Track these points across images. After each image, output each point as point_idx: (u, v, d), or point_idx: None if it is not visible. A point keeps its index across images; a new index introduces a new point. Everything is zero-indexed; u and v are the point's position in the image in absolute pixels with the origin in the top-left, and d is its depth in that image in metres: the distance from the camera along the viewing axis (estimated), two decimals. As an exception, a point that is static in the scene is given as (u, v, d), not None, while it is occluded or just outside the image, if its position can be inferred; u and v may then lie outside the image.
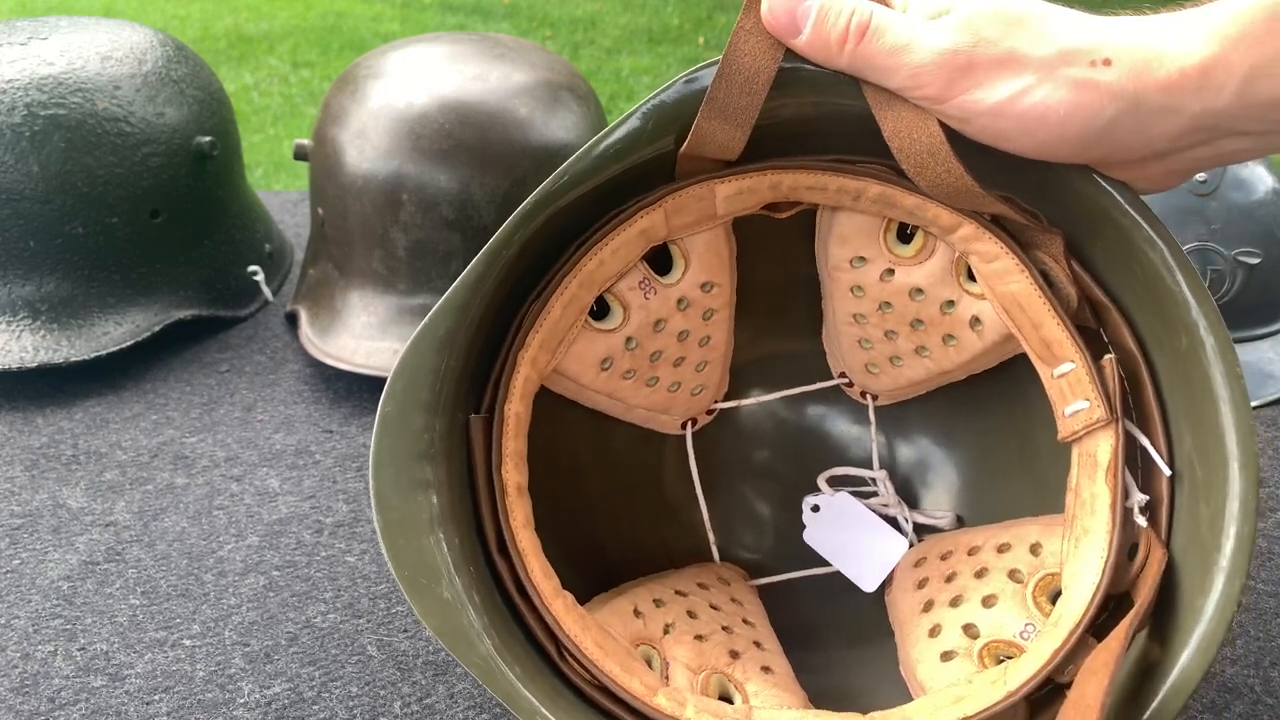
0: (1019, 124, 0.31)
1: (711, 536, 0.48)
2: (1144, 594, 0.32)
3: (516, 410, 0.36)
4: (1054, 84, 0.30)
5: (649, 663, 0.37)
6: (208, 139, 0.66)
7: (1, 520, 0.52)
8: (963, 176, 0.33)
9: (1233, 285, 0.61)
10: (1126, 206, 0.33)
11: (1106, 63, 0.30)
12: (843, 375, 0.48)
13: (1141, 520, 0.34)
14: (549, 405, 0.40)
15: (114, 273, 0.63)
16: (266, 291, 0.71)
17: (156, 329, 0.64)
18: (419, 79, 0.61)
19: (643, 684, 0.34)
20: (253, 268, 0.71)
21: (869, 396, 0.48)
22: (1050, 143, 0.31)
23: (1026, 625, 0.37)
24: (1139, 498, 0.34)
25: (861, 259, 0.41)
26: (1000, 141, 0.32)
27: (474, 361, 0.35)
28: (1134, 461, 0.35)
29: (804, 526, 0.48)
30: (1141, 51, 0.30)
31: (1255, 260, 0.60)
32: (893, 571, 0.45)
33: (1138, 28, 0.30)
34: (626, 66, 3.05)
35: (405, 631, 0.46)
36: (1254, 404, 0.61)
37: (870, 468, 0.48)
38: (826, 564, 0.47)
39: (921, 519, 0.47)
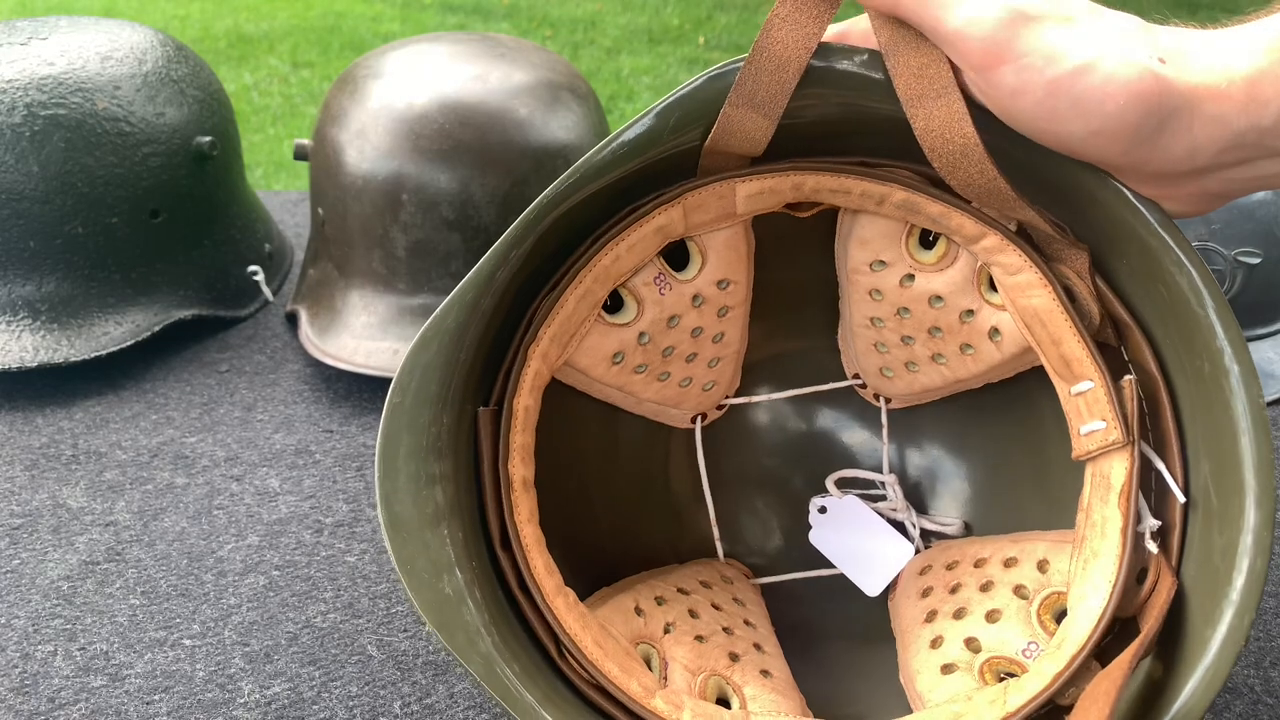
0: (1074, 105, 0.29)
1: (716, 533, 0.48)
2: (1151, 622, 0.31)
3: (525, 404, 0.36)
4: (1122, 61, 0.28)
5: (648, 662, 0.37)
6: (208, 139, 0.66)
7: (1, 520, 0.52)
8: (996, 178, 0.32)
9: (1233, 285, 0.61)
10: (1156, 226, 0.32)
11: (1161, 61, 0.29)
12: (856, 377, 0.48)
13: (1152, 546, 0.33)
14: (558, 396, 0.40)
15: (114, 273, 0.63)
16: (266, 291, 0.71)
17: (156, 329, 0.64)
18: (419, 79, 0.61)
19: (641, 686, 0.34)
20: (253, 268, 0.71)
21: (882, 400, 0.47)
22: (1099, 131, 0.29)
23: (1030, 643, 0.37)
24: (1151, 523, 0.34)
25: (881, 263, 0.41)
26: (1048, 121, 0.30)
27: (484, 354, 0.35)
28: (1148, 484, 0.35)
29: (810, 527, 0.47)
30: (1190, 57, 0.29)
31: (1255, 260, 0.60)
32: (897, 577, 0.45)
33: (1185, 36, 0.30)
34: (626, 66, 3.04)
35: (405, 631, 0.46)
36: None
37: (880, 471, 0.48)
38: (831, 566, 0.47)
39: (929, 525, 0.46)
